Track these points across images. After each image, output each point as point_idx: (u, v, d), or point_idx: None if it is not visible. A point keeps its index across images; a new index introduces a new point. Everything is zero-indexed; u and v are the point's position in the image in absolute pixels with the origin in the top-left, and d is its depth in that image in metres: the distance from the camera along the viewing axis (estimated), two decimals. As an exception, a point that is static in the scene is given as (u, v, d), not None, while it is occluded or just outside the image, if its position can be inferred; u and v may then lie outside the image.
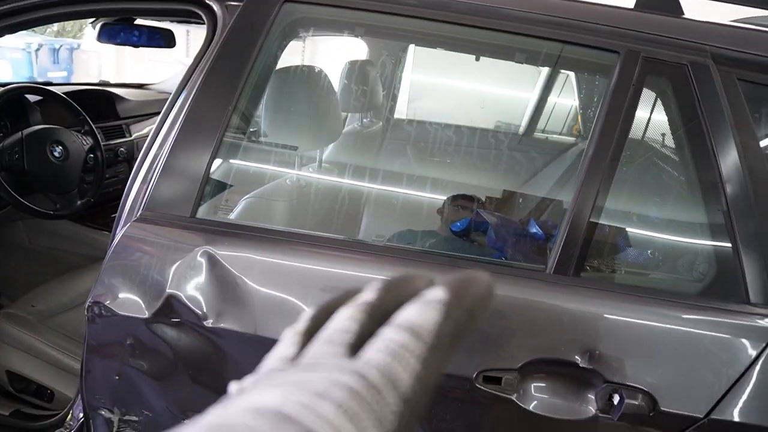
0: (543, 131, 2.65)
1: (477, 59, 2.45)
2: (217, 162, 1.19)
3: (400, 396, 0.24)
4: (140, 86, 2.72)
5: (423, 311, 0.26)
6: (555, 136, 2.60)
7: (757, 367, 0.97)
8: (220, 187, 1.25)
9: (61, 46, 4.71)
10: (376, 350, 0.25)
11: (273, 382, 0.24)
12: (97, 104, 2.20)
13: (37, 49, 4.54)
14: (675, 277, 1.07)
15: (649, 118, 1.09)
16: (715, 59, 1.06)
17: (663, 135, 1.09)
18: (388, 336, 0.25)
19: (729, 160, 1.03)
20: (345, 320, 0.28)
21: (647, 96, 1.08)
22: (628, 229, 1.09)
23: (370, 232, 1.83)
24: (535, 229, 1.41)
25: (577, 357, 0.99)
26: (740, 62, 1.06)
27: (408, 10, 1.13)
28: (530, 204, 1.89)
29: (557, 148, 2.41)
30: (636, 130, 1.08)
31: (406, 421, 0.24)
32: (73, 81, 4.19)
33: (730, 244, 1.03)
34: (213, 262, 1.08)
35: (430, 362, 0.25)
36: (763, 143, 1.05)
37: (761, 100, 1.06)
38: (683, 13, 1.12)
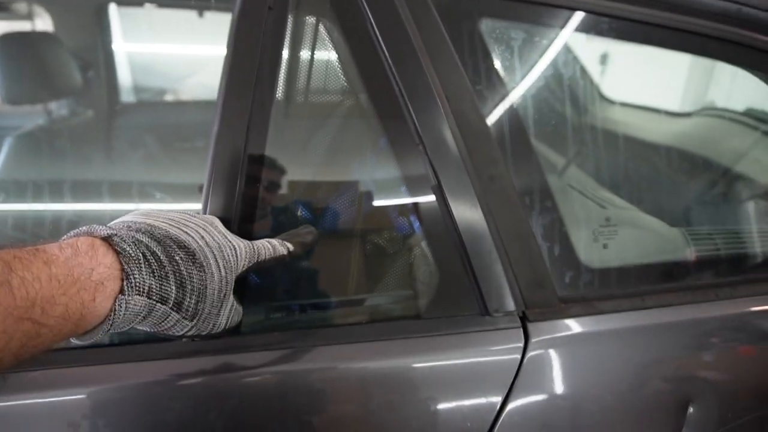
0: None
1: (200, 15, 1.94)
2: None
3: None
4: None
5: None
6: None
7: (519, 384, 0.66)
8: None
9: None
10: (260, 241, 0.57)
11: None
12: None
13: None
14: (387, 295, 0.71)
15: (312, 55, 0.69)
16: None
17: (330, 77, 0.70)
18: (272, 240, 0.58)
19: (426, 108, 0.67)
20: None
21: (297, 24, 0.68)
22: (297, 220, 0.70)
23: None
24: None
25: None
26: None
27: None
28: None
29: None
30: (290, 74, 0.68)
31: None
32: None
33: (450, 234, 0.68)
34: None
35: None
36: (473, 77, 0.71)
37: (461, 12, 0.72)
38: None
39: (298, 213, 0.68)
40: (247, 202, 0.65)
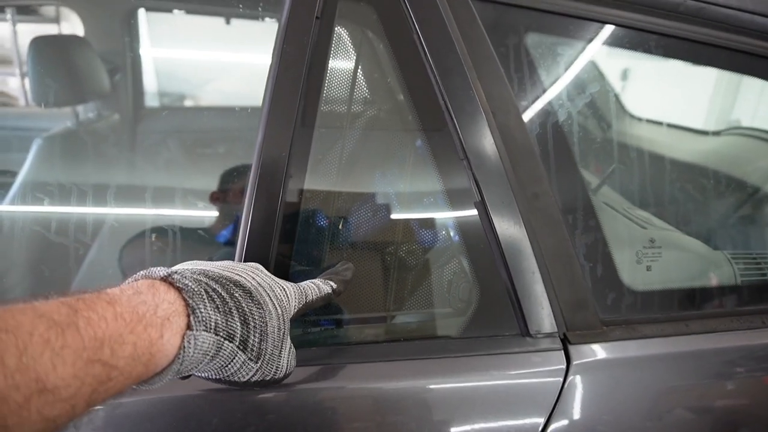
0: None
1: (227, 22, 1.97)
2: None
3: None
4: None
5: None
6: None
7: (560, 408, 0.64)
8: None
9: None
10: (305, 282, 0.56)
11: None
12: None
13: None
14: (425, 312, 0.69)
15: (357, 66, 0.68)
16: (437, -30, 0.67)
17: (374, 89, 0.69)
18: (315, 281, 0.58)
19: (472, 123, 0.66)
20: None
21: (343, 34, 0.67)
22: (340, 243, 0.68)
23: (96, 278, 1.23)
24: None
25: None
26: (472, -28, 0.68)
27: None
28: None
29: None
30: (335, 84, 0.67)
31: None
32: None
33: (492, 252, 0.67)
34: None
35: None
36: (518, 92, 0.70)
37: (507, 26, 0.71)
38: None
39: (339, 225, 0.67)
40: (289, 211, 0.64)
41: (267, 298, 0.47)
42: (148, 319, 0.37)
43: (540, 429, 0.64)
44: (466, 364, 0.65)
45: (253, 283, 0.47)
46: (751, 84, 1.16)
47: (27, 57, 1.67)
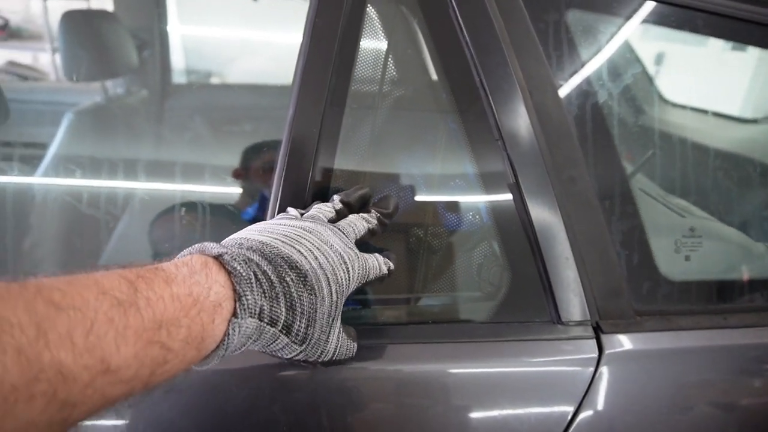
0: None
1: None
2: None
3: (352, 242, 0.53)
4: None
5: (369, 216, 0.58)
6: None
7: (590, 399, 0.62)
8: None
9: None
10: (343, 222, 0.55)
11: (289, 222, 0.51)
12: None
13: None
14: (454, 296, 0.68)
15: (390, 42, 0.66)
16: (476, -58, 0.64)
17: (408, 66, 0.67)
18: (351, 218, 0.56)
19: (508, 102, 0.64)
20: (327, 206, 0.57)
21: (376, 9, 0.65)
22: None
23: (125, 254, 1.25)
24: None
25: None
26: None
27: None
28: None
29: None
30: (367, 61, 0.66)
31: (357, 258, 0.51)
32: None
33: (525, 236, 0.65)
34: None
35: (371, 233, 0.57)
36: (556, 71, 0.67)
37: (547, 1, 0.68)
38: None
39: (369, 204, 0.66)
40: (319, 189, 0.63)
41: (324, 283, 0.46)
42: (202, 302, 0.37)
43: (569, 418, 0.63)
44: (495, 350, 0.63)
45: (313, 264, 0.46)
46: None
47: (58, 32, 1.67)
